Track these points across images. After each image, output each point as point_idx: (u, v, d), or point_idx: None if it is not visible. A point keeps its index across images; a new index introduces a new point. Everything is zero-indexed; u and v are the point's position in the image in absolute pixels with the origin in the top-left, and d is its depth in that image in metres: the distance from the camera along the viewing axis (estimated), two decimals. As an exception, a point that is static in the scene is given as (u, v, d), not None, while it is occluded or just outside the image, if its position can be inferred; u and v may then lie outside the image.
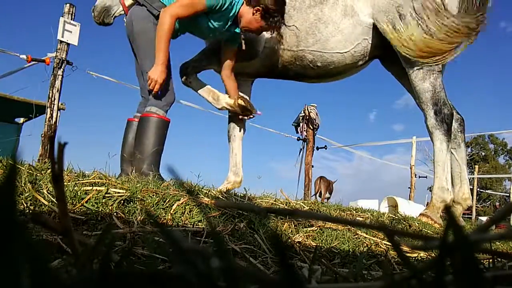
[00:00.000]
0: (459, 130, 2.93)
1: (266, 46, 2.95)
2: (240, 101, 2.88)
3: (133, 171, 2.47)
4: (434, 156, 2.66)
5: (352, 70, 3.08)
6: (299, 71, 3.03)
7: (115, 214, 1.24)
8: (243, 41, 2.71)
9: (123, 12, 2.87)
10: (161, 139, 2.56)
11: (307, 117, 8.12)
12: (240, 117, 3.07)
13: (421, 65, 2.62)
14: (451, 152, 2.85)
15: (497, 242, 1.86)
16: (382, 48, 2.88)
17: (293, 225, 1.49)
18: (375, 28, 2.80)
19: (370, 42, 2.86)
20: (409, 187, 9.88)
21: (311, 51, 2.87)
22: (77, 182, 1.39)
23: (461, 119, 2.96)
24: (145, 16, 2.56)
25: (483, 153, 31.61)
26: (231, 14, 2.56)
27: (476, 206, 14.22)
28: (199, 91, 2.94)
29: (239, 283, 0.27)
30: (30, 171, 1.41)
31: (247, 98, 3.12)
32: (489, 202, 28.34)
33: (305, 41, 2.85)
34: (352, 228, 1.57)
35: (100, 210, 1.24)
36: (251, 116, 3.08)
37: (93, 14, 2.88)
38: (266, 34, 2.91)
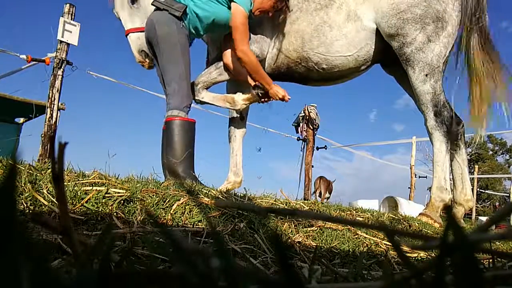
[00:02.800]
0: (459, 132, 2.95)
1: (271, 47, 2.97)
2: (256, 90, 2.83)
3: (167, 175, 2.47)
4: (433, 157, 2.69)
5: (355, 74, 3.11)
6: (304, 73, 3.04)
7: (115, 214, 1.24)
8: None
9: None
10: (190, 141, 2.57)
11: (307, 117, 8.13)
12: (263, 100, 2.99)
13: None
14: (452, 154, 2.87)
15: (497, 242, 1.86)
16: (384, 52, 2.90)
17: (293, 225, 1.49)
18: (378, 33, 2.83)
19: (373, 46, 2.89)
20: (409, 187, 9.89)
21: (316, 53, 2.89)
22: (77, 182, 1.39)
23: (461, 121, 2.97)
24: (168, 19, 2.57)
25: (482, 153, 31.61)
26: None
27: (476, 206, 14.23)
28: (214, 102, 2.93)
29: (239, 283, 0.27)
30: (30, 171, 1.41)
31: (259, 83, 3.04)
32: (489, 202, 28.34)
33: (310, 43, 2.88)
34: (352, 228, 1.57)
35: (100, 210, 1.24)
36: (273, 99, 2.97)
37: (146, 60, 2.78)
38: (271, 34, 2.92)
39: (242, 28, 2.60)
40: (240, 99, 2.91)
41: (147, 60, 2.80)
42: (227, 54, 2.85)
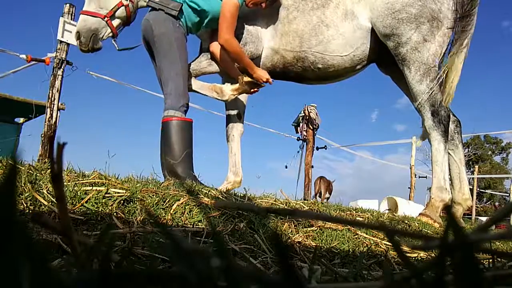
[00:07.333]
0: (456, 131, 2.95)
1: (266, 46, 2.96)
2: (246, 78, 2.81)
3: (167, 175, 2.47)
4: (432, 157, 2.68)
5: (350, 73, 3.11)
6: (299, 72, 3.04)
7: (115, 214, 1.24)
8: None
9: (111, 34, 2.80)
10: (188, 141, 2.56)
11: (307, 117, 8.13)
12: (252, 91, 2.99)
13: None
14: (449, 154, 2.87)
15: (497, 242, 1.86)
16: (379, 52, 2.91)
17: (293, 225, 1.49)
18: (373, 32, 2.83)
19: (369, 46, 2.89)
20: (409, 187, 9.89)
21: (313, 52, 2.89)
22: (77, 182, 1.39)
23: (457, 121, 2.98)
24: (164, 18, 2.58)
25: (480, 153, 31.63)
26: None
27: (476, 206, 14.22)
28: (201, 91, 2.92)
29: (239, 283, 0.27)
30: (30, 171, 1.41)
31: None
32: (488, 202, 28.35)
33: (308, 42, 2.87)
34: (352, 228, 1.57)
35: (100, 210, 1.24)
36: (262, 86, 2.96)
37: (78, 41, 2.74)
38: (267, 34, 2.92)
39: (229, 18, 2.61)
40: (228, 89, 2.89)
41: (80, 41, 2.75)
42: (214, 45, 2.85)
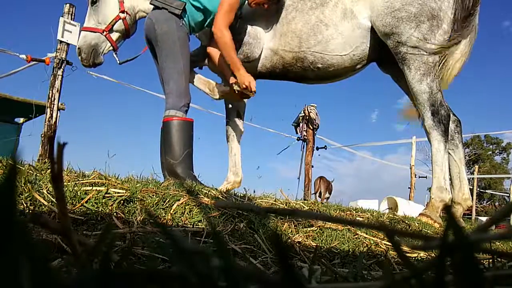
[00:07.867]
0: (456, 131, 2.95)
1: (265, 47, 2.96)
2: (235, 87, 2.78)
3: (167, 175, 2.48)
4: (432, 157, 2.68)
5: (350, 73, 3.10)
6: (299, 72, 3.03)
7: (115, 214, 1.24)
8: None
9: (111, 48, 2.87)
10: (189, 141, 2.56)
11: (307, 117, 8.14)
12: (241, 100, 2.98)
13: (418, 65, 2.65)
14: (449, 153, 2.86)
15: (497, 242, 1.86)
16: (379, 51, 2.90)
17: (293, 225, 1.49)
18: (372, 30, 2.82)
19: (368, 45, 2.88)
20: (409, 187, 9.90)
21: (312, 52, 2.88)
22: (77, 182, 1.39)
23: (457, 120, 2.97)
24: (168, 17, 2.57)
25: (480, 153, 31.66)
26: None
27: (476, 206, 14.23)
28: (196, 83, 2.94)
29: (239, 283, 0.27)
30: (30, 171, 1.41)
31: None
32: (488, 202, 28.38)
33: (307, 42, 2.86)
34: (352, 228, 1.57)
35: (100, 210, 1.24)
36: (251, 95, 2.87)
37: (80, 57, 2.83)
38: (266, 35, 2.92)
39: (227, 8, 2.56)
40: (220, 89, 2.91)
41: (81, 56, 2.85)
42: (213, 46, 2.85)
